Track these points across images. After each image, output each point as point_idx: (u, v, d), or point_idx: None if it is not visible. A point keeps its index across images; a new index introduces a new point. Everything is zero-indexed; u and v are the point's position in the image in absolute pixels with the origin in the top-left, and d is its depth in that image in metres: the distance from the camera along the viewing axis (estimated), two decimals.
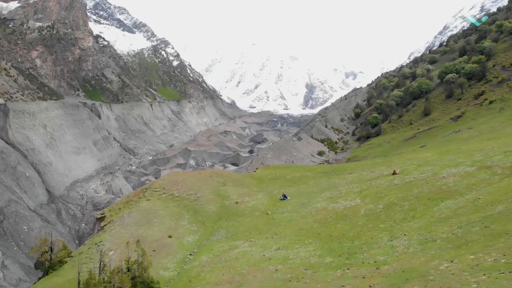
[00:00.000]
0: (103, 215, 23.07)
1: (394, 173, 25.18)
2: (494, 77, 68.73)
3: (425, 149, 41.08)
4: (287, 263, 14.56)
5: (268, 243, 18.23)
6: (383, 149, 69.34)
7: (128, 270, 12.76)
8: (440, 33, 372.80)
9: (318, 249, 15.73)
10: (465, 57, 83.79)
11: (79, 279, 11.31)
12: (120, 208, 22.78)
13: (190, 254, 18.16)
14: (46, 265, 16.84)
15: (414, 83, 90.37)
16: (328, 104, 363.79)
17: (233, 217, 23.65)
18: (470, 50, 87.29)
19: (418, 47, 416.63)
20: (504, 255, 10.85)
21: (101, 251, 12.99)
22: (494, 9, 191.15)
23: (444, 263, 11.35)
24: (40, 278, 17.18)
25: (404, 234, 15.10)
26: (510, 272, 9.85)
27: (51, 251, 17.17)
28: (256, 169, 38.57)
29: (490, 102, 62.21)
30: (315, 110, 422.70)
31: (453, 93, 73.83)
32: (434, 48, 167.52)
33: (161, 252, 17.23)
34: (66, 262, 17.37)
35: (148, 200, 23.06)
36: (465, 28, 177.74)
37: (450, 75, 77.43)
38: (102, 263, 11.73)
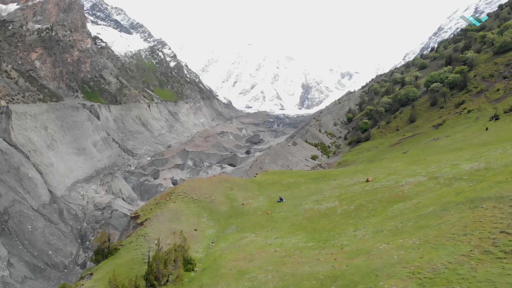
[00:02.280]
0: (136, 214, 29.25)
1: (367, 181, 31.57)
2: (474, 87, 71.97)
3: (396, 159, 47.21)
4: (282, 247, 21.12)
5: (268, 234, 24.80)
6: (370, 154, 74.29)
7: (175, 251, 18.85)
8: (435, 34, 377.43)
9: (304, 238, 22.25)
10: (449, 66, 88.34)
11: (148, 254, 17.41)
12: (151, 209, 28.94)
13: (212, 242, 24.70)
14: (106, 251, 23.03)
15: (402, 91, 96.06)
16: (324, 104, 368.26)
17: (241, 216, 30.12)
18: (455, 60, 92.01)
19: (413, 48, 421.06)
20: (419, 239, 17.15)
21: (158, 238, 19.09)
22: (487, 11, 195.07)
23: (383, 245, 17.73)
24: (99, 262, 23.30)
25: (364, 227, 21.52)
26: (418, 249, 16.12)
27: (109, 241, 23.30)
28: (256, 174, 44.94)
29: (468, 112, 65.11)
30: (311, 111, 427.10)
31: (436, 101, 77.68)
32: (426, 52, 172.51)
33: (191, 240, 23.38)
34: (119, 249, 23.61)
35: (174, 202, 29.34)
36: (459, 30, 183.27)
37: (434, 84, 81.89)
38: (159, 246, 17.72)
